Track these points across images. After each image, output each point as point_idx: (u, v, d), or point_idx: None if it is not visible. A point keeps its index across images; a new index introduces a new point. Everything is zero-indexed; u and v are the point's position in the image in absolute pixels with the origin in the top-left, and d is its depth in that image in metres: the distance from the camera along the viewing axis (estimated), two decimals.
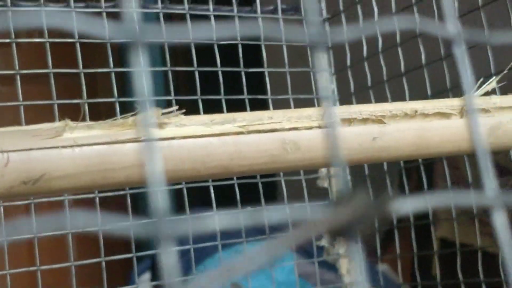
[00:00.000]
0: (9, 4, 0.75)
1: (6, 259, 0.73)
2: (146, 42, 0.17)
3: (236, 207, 0.96)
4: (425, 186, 0.99)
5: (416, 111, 0.60)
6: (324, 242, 0.99)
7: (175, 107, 0.51)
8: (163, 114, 0.51)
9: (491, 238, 1.26)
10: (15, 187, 0.44)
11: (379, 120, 0.59)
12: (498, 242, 0.22)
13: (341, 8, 1.00)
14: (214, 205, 0.95)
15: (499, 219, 0.22)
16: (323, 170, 0.92)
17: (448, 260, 1.06)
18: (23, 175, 0.45)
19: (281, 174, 0.98)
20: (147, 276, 1.36)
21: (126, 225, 0.16)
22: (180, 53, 1.61)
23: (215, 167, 0.52)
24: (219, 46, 0.92)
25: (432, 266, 1.33)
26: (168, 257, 0.15)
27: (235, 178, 0.93)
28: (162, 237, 0.15)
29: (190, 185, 0.94)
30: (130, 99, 0.86)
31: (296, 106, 1.02)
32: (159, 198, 0.16)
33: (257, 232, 1.06)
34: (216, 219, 0.16)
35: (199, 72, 0.94)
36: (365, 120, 0.58)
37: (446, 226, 1.39)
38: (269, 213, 0.17)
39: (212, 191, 0.92)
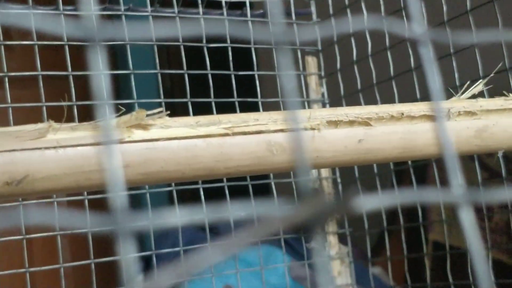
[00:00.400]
0: None
1: None
2: (104, 40, 0.17)
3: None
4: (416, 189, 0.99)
5: (402, 114, 0.61)
6: (314, 244, 0.99)
7: (160, 109, 0.51)
8: (147, 115, 0.51)
9: (484, 241, 1.26)
10: None
11: (365, 123, 0.59)
12: (467, 240, 0.22)
13: (331, 12, 1.00)
14: (204, 207, 0.95)
15: (466, 217, 0.22)
16: (313, 172, 0.92)
17: (441, 263, 1.06)
18: (6, 176, 0.45)
19: (271, 176, 0.98)
20: (139, 278, 1.36)
21: (85, 221, 0.16)
22: (173, 55, 1.61)
23: (200, 169, 0.52)
24: (210, 48, 0.92)
25: (424, 270, 1.33)
26: (127, 252, 0.15)
27: (225, 180, 0.93)
28: (120, 233, 0.15)
29: (181, 187, 0.94)
30: (120, 101, 0.86)
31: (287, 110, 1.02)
32: (119, 196, 0.16)
33: None
34: (177, 216, 0.16)
35: (192, 75, 0.94)
36: (351, 123, 0.58)
37: (439, 229, 1.39)
38: (232, 209, 0.17)
39: (202, 193, 0.92)
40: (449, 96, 0.64)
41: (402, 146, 0.59)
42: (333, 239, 0.95)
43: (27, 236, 0.77)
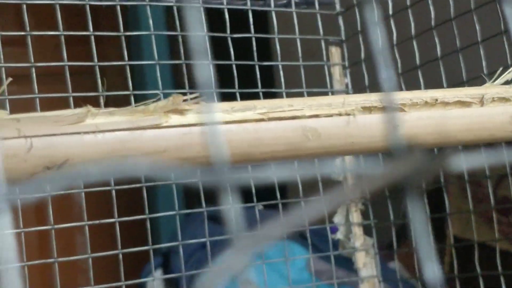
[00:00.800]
0: None
1: (23, 251, 0.73)
2: None
3: (251, 202, 0.96)
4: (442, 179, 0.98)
5: (436, 100, 0.60)
6: (339, 235, 0.98)
7: (196, 94, 0.51)
8: (184, 101, 0.50)
9: (503, 235, 1.26)
10: (38, 172, 0.44)
11: (400, 109, 0.58)
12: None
13: (355, 1, 1.00)
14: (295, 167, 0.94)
15: None
16: (338, 163, 0.92)
17: (461, 257, 1.06)
18: (46, 161, 0.44)
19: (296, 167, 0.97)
20: (159, 273, 1.36)
21: (186, 173, 0.15)
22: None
23: (236, 154, 0.52)
24: (233, 39, 0.91)
25: (444, 264, 1.33)
26: (231, 208, 0.15)
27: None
28: (224, 187, 0.15)
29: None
30: (144, 92, 0.86)
31: None
32: (221, 152, 0.16)
33: None
34: (275, 172, 0.16)
35: (213, 65, 0.93)
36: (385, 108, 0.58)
37: (457, 224, 1.39)
38: (323, 168, 0.17)
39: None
40: (481, 83, 0.63)
41: (437, 132, 0.59)
42: (358, 231, 0.95)
43: (56, 226, 0.76)
